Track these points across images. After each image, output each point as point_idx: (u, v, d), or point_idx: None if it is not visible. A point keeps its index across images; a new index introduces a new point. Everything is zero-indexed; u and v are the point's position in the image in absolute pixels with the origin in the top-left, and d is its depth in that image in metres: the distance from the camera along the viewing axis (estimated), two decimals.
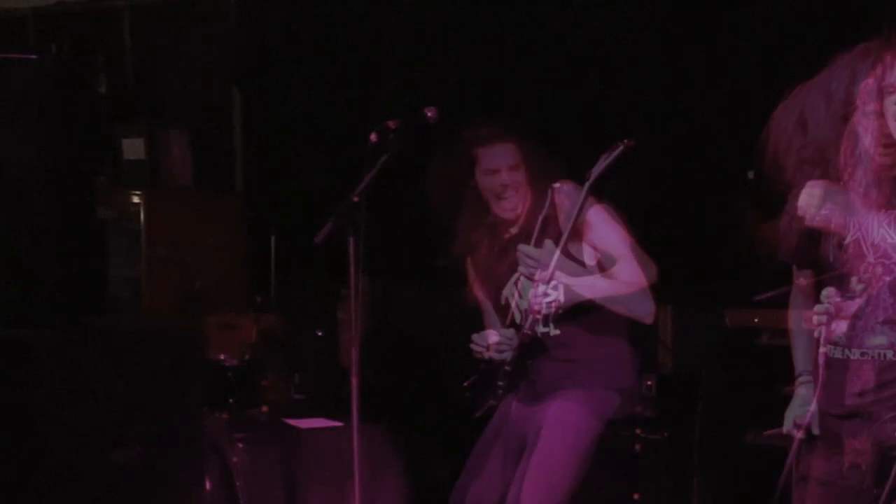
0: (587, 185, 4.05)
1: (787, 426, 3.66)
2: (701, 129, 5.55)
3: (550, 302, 4.19)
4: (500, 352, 4.25)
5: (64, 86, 4.42)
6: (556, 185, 4.23)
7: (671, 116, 5.58)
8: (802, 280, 4.51)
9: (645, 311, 4.24)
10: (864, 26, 3.31)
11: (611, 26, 5.75)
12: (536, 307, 4.13)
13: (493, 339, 4.27)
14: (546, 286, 4.08)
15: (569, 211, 4.12)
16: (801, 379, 3.67)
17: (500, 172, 4.23)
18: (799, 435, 3.52)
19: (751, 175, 5.45)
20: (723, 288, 5.24)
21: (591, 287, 4.17)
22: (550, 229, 4.19)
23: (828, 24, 5.17)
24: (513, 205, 4.26)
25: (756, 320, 5.04)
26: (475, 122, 4.33)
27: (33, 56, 4.49)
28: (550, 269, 4.03)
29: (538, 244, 4.18)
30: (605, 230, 4.22)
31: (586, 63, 5.78)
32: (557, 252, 4.04)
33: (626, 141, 4.03)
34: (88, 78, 4.82)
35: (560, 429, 4.20)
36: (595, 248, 4.24)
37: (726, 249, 5.33)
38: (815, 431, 3.53)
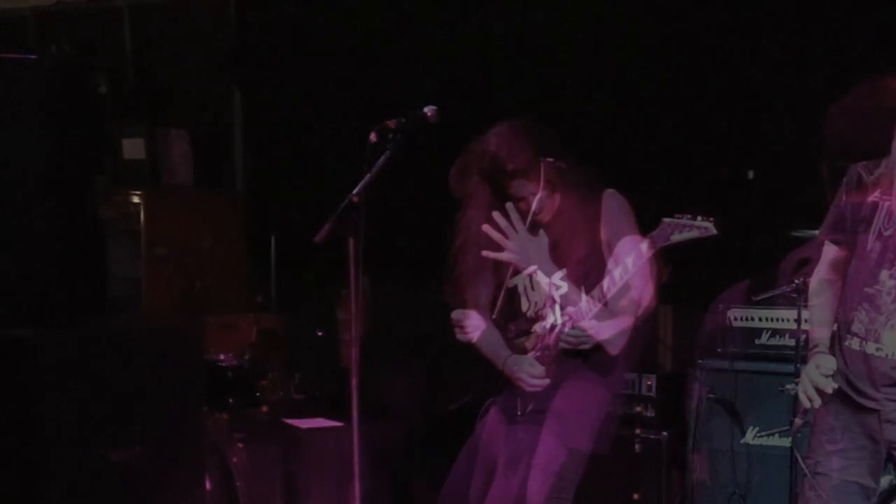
0: (657, 246, 4.04)
1: (805, 389, 3.64)
2: (701, 130, 5.55)
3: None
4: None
5: (64, 86, 4.42)
6: (609, 191, 4.28)
7: (671, 117, 5.59)
8: (804, 278, 4.53)
9: (616, 344, 4.22)
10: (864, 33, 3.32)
11: (610, 26, 5.77)
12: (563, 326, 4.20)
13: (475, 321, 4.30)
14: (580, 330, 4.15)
15: (613, 224, 4.16)
16: (818, 349, 3.66)
17: (527, 199, 4.28)
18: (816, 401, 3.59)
19: (751, 175, 5.46)
20: (723, 288, 5.24)
21: (579, 309, 4.19)
22: (580, 236, 4.24)
23: (827, 29, 5.18)
24: (545, 212, 4.32)
25: (756, 320, 5.05)
26: (499, 148, 4.28)
27: (33, 56, 4.48)
28: (584, 313, 4.11)
29: (533, 228, 4.23)
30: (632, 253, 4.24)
31: (587, 62, 5.80)
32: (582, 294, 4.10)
33: (711, 222, 3.99)
34: (88, 78, 4.80)
35: (572, 398, 4.21)
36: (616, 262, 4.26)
37: (726, 250, 5.34)
38: (831, 389, 3.57)
